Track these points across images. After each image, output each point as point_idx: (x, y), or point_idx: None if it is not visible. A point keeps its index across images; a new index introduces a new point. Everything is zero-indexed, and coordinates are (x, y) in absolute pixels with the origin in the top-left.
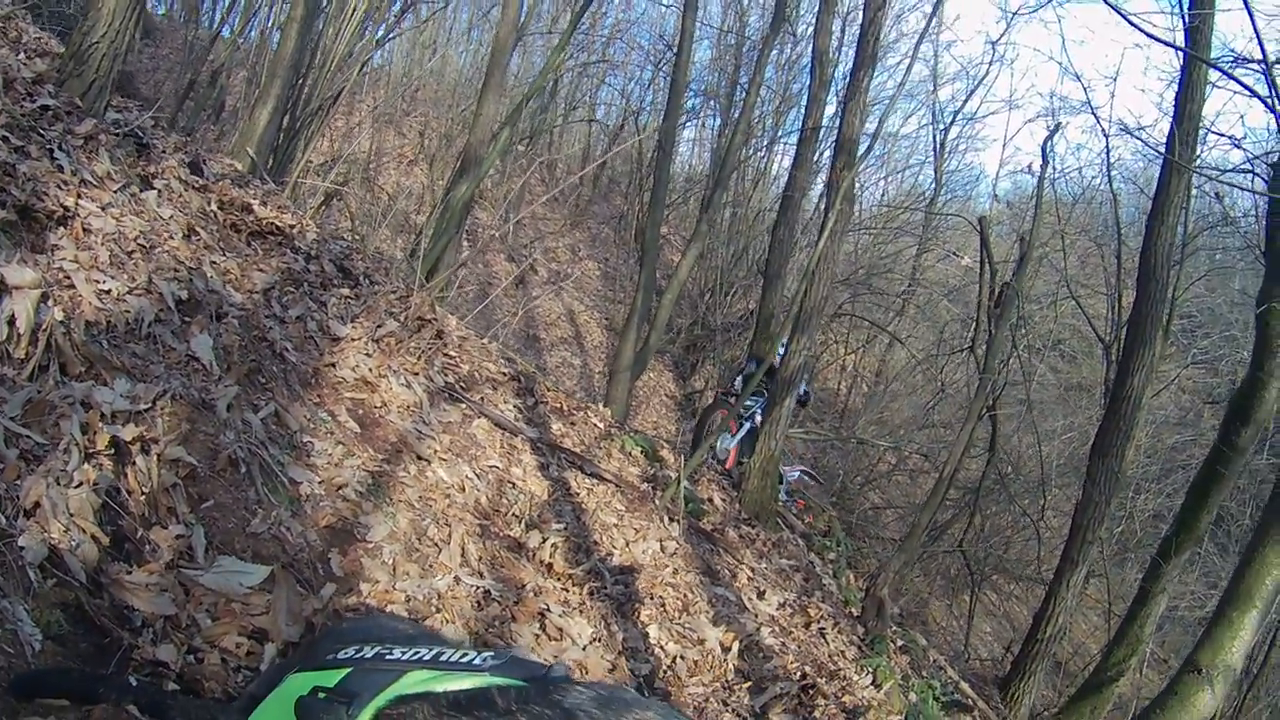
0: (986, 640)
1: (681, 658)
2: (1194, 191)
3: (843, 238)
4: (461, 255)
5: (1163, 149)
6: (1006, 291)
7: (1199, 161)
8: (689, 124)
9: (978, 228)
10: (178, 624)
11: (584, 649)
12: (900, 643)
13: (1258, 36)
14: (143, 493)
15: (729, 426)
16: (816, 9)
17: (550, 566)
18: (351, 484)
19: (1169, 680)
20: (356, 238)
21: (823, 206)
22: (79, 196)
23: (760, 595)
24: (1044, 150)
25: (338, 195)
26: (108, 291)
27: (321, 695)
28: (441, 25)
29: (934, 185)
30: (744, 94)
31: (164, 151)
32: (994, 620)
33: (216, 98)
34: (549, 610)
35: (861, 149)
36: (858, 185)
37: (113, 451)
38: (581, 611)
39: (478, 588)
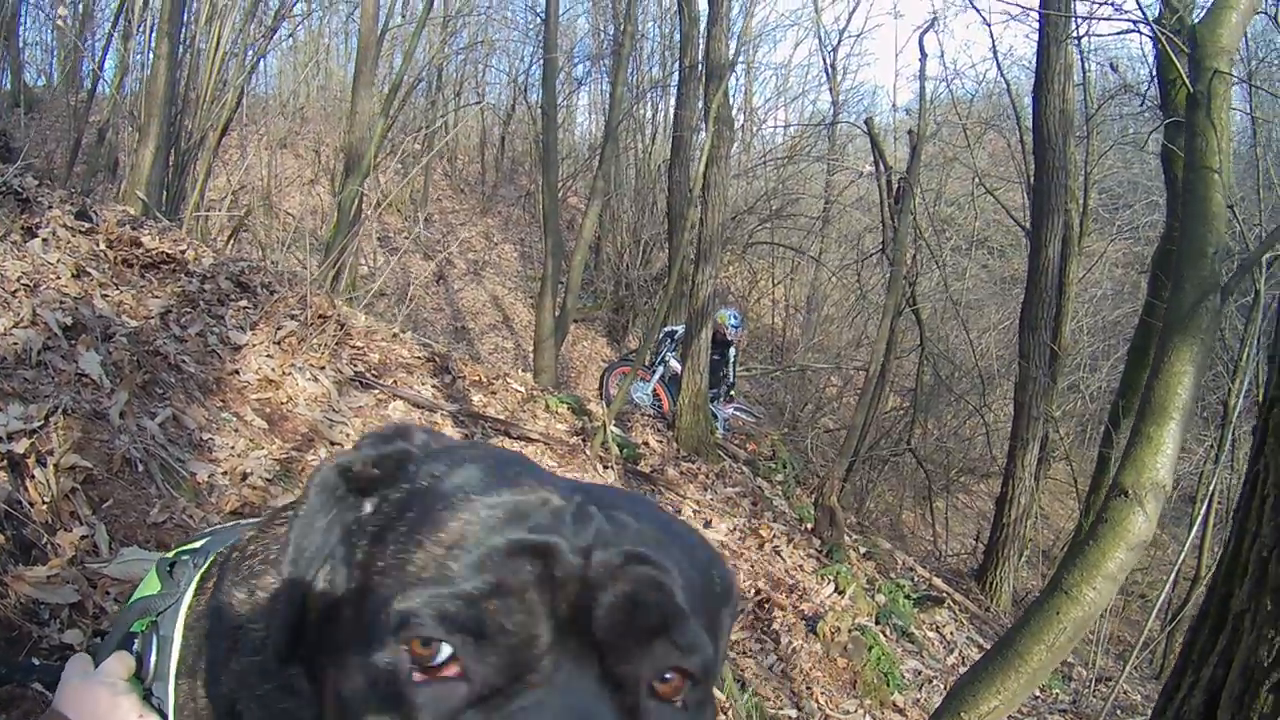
0: (965, 541)
1: None
2: (1091, 67)
3: (727, 162)
4: (351, 243)
5: (1035, 14)
6: (902, 185)
7: (1089, 36)
8: (581, 91)
9: (865, 130)
10: (85, 612)
11: None
12: (863, 550)
13: None
14: (44, 501)
15: (640, 375)
16: None
17: None
18: (257, 472)
19: (1098, 509)
20: (271, 262)
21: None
22: None
23: (707, 525)
24: (921, 45)
25: (243, 226)
26: None
27: (184, 557)
28: (319, 40)
29: (831, 107)
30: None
31: (48, 206)
32: (970, 521)
33: (108, 155)
34: None
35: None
36: (757, 118)
37: (6, 464)
38: None
39: None
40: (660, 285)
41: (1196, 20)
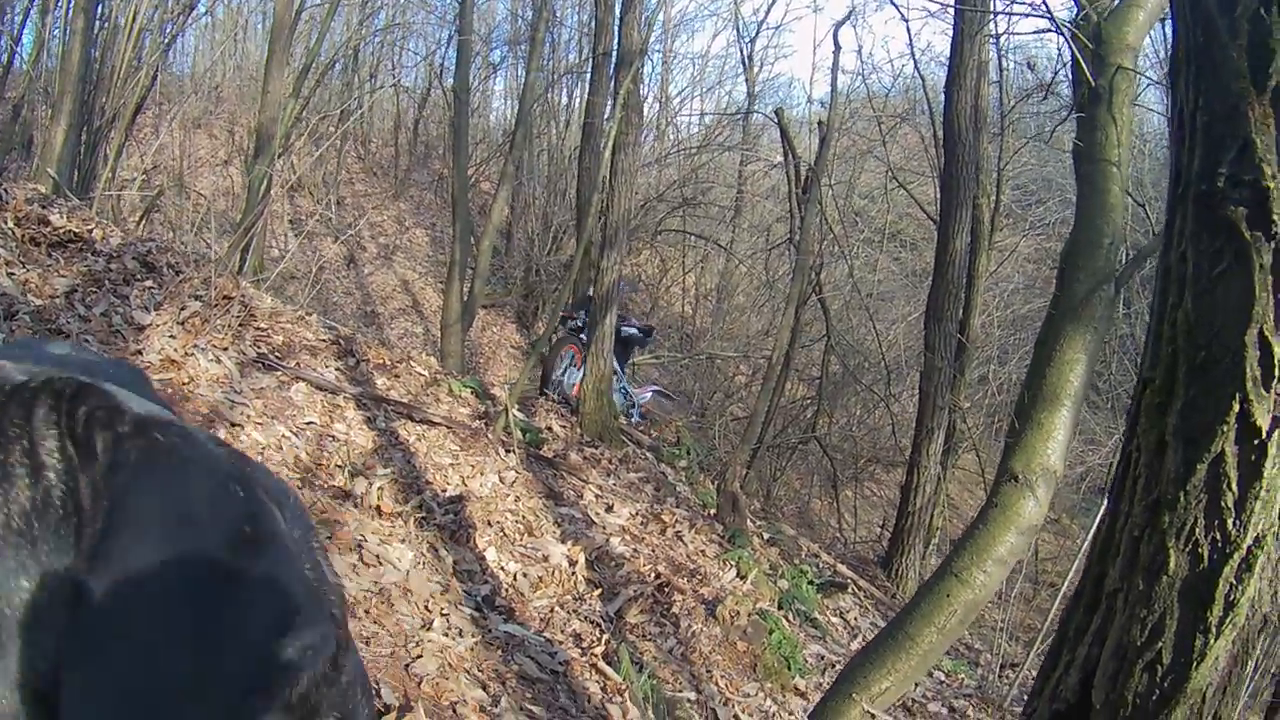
0: (874, 529)
1: (524, 575)
2: (1010, 64)
3: (636, 149)
4: (257, 222)
5: (951, 8)
6: (810, 175)
7: (1007, 34)
8: (497, 77)
9: (775, 120)
10: None
11: (405, 573)
12: (767, 536)
13: None
14: None
15: (576, 359)
16: None
17: (378, 509)
18: None
19: (989, 494)
20: (181, 244)
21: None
22: None
23: (609, 509)
24: (835, 37)
25: (155, 207)
26: None
27: None
28: (238, 20)
29: (747, 98)
30: (547, 39)
31: None
32: (878, 510)
33: (22, 133)
34: (365, 540)
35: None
36: (672, 108)
37: None
38: (405, 541)
39: None
40: (570, 272)
41: (1103, 18)
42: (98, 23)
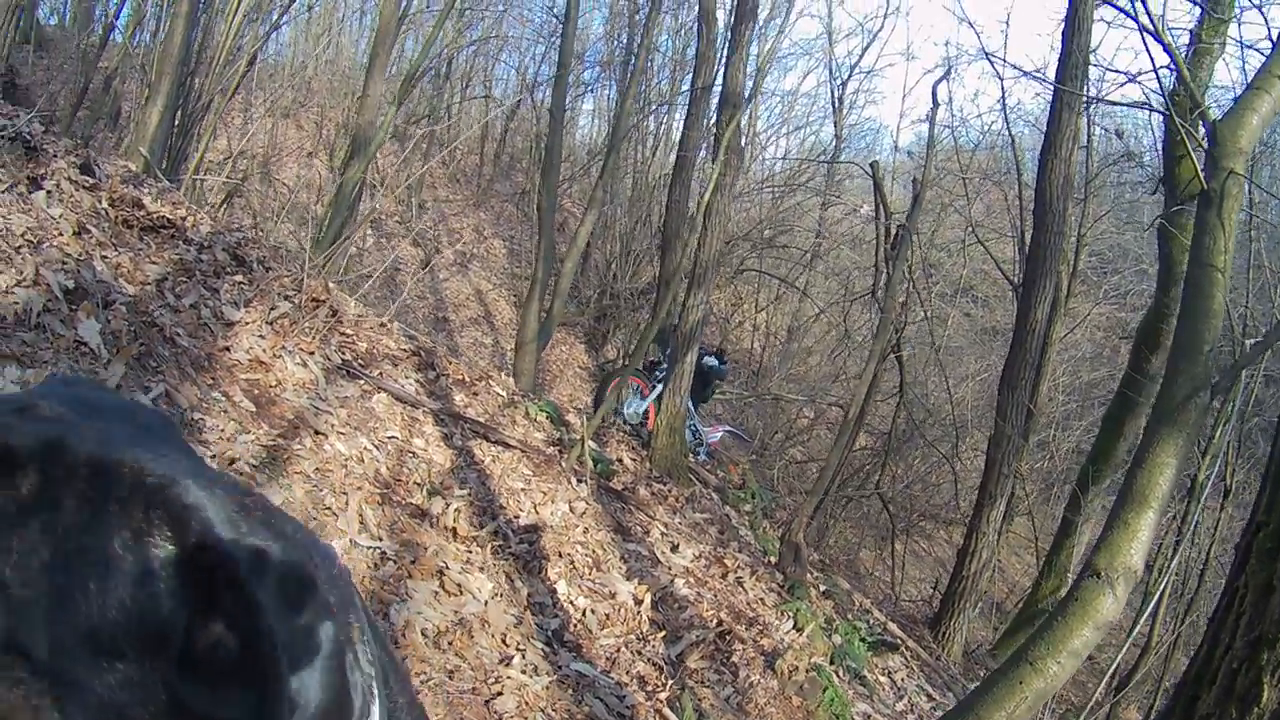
0: (919, 584)
1: (592, 611)
2: (1096, 131)
3: (733, 189)
4: (353, 230)
5: (1052, 83)
6: (901, 232)
7: (1101, 103)
8: (587, 96)
9: (869, 173)
10: None
11: (485, 604)
12: (823, 589)
13: None
14: None
15: (640, 390)
16: None
17: (454, 531)
18: (245, 458)
19: (1070, 587)
20: (260, 232)
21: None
22: None
23: (674, 549)
24: (934, 93)
25: (238, 192)
26: None
27: None
28: (334, 14)
29: (834, 140)
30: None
31: (54, 155)
32: (926, 566)
33: (112, 104)
34: (448, 568)
35: (755, 104)
36: (759, 143)
37: None
38: (483, 569)
39: (374, 550)
40: (646, 299)
41: (1218, 117)
42: (200, 6)
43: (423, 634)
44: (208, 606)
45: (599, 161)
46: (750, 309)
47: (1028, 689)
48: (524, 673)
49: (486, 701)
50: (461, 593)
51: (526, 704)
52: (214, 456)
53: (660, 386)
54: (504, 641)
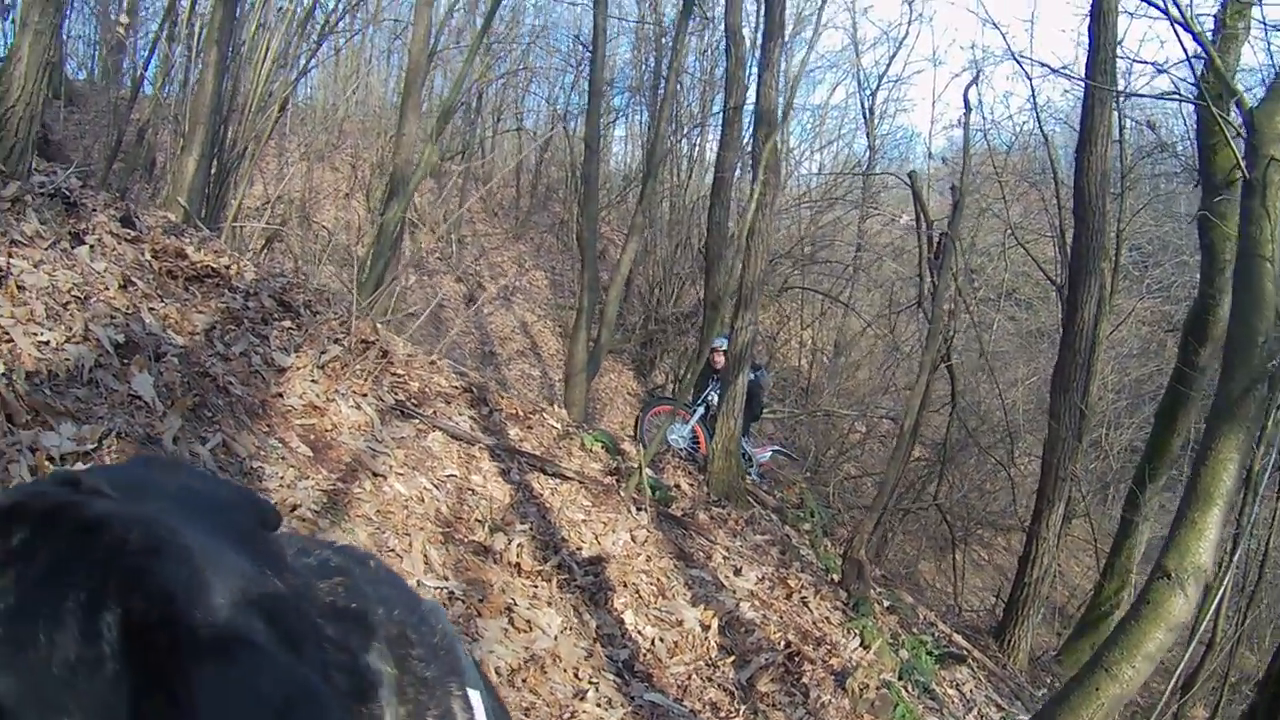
0: (980, 593)
1: (660, 639)
2: (1127, 123)
3: (774, 208)
4: (398, 272)
5: (1082, 79)
6: (944, 240)
7: (1132, 96)
8: (618, 122)
9: (909, 183)
10: None
11: (555, 639)
12: (887, 604)
13: None
14: None
15: (681, 416)
16: None
17: (519, 566)
18: (306, 504)
19: (1140, 590)
20: (301, 275)
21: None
22: (10, 256)
23: (737, 572)
24: (965, 98)
25: (278, 237)
26: (46, 342)
27: None
28: (361, 55)
29: (867, 151)
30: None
31: (93, 209)
32: (985, 574)
33: (146, 155)
34: (515, 605)
35: (788, 122)
36: (792, 160)
37: None
38: (551, 604)
39: (442, 590)
40: (690, 322)
41: (1254, 104)
42: (230, 54)
43: (496, 672)
44: (149, 679)
45: (635, 187)
46: (795, 326)
47: (1104, 695)
48: (599, 706)
49: None
50: (531, 629)
51: None
52: (275, 504)
53: (701, 410)
54: (576, 675)
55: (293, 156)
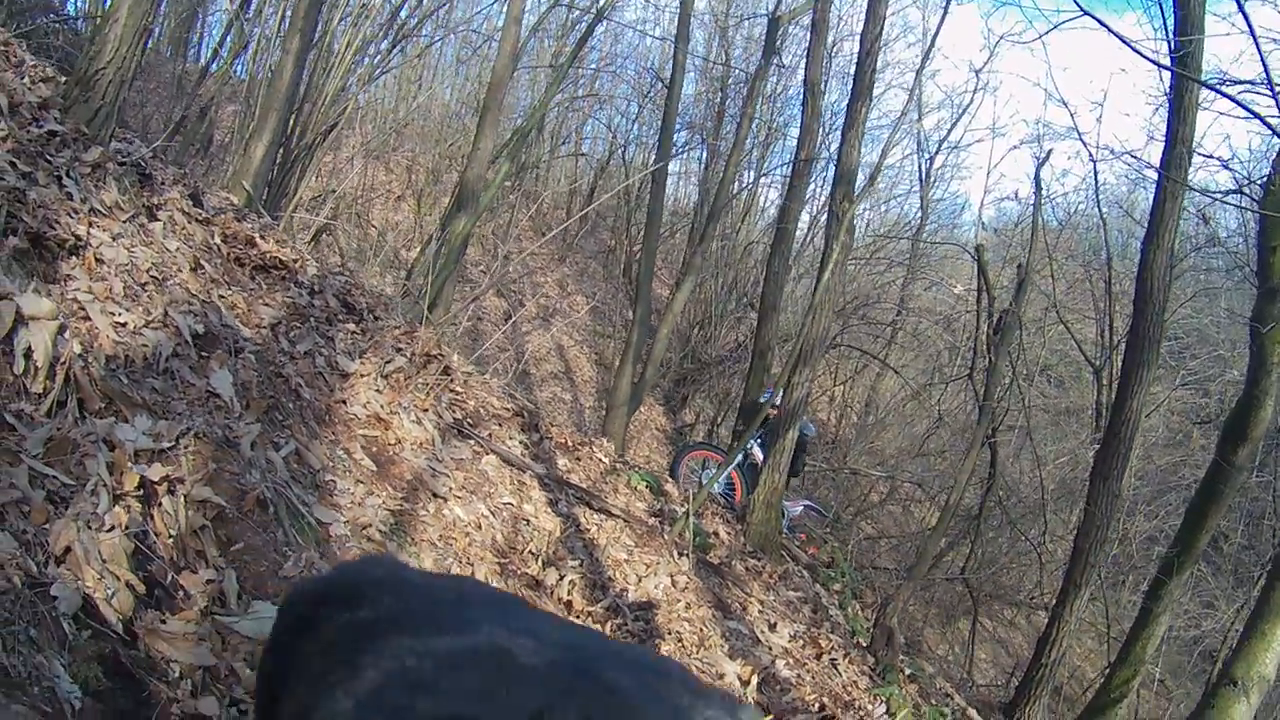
0: (983, 667)
1: None
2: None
3: (844, 269)
4: (473, 290)
5: (1155, 169)
6: (1006, 318)
7: (1199, 190)
8: (675, 157)
9: (974, 256)
10: (216, 674)
11: None
12: (908, 671)
13: (1259, 51)
14: (170, 535)
15: (718, 461)
16: (807, 41)
17: (570, 604)
18: (375, 524)
19: (1204, 694)
20: (347, 271)
21: (809, 237)
22: (90, 225)
23: (772, 627)
24: (1036, 178)
25: (328, 230)
26: (124, 324)
27: None
28: (428, 62)
29: (920, 214)
30: (732, 126)
31: (164, 183)
32: (990, 647)
33: (205, 132)
34: None
35: (860, 181)
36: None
37: (140, 492)
38: None
39: None
40: (728, 366)
41: None
42: (312, 45)
43: None
44: None
45: (684, 223)
46: (829, 381)
47: None
48: None
49: None
50: None
51: None
52: (347, 522)
53: (740, 457)
54: None
55: (350, 153)
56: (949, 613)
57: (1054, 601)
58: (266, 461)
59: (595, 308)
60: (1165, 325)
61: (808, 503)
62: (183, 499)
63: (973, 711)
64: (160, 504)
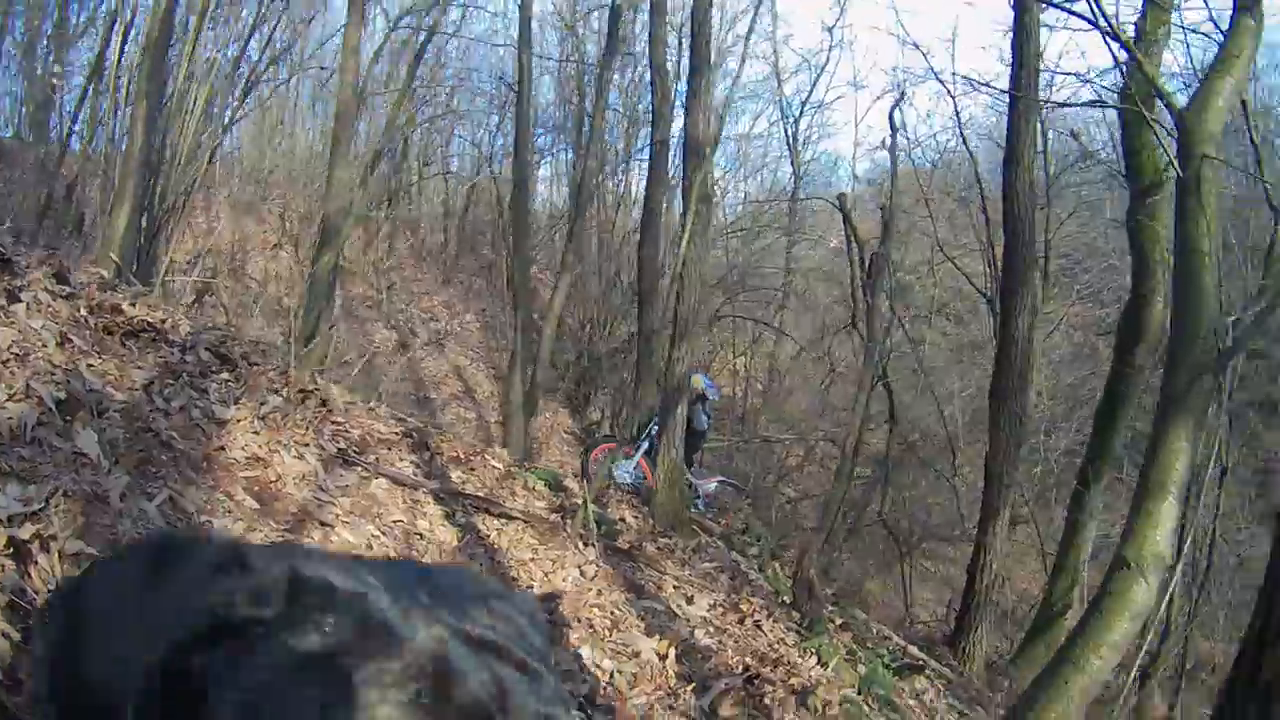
0: (931, 606)
1: (619, 672)
2: (1051, 133)
3: (706, 240)
4: (332, 320)
5: (1006, 92)
6: (876, 260)
7: (1056, 107)
8: (544, 162)
9: (839, 206)
10: None
11: None
12: (840, 621)
13: None
14: (48, 589)
15: (625, 452)
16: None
17: None
18: None
19: (1102, 581)
20: (232, 327)
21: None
22: None
23: (689, 600)
24: (891, 120)
25: (209, 290)
26: None
27: None
28: (286, 106)
29: (792, 178)
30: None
31: (27, 266)
32: (934, 586)
33: (75, 211)
34: None
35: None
36: (719, 190)
37: (12, 552)
38: None
39: None
40: (623, 358)
41: (1184, 106)
42: (159, 107)
43: None
44: None
45: (562, 225)
46: (728, 355)
47: (1073, 688)
48: None
49: None
50: None
51: None
52: None
53: (646, 444)
54: None
55: (221, 210)
56: (886, 561)
57: (976, 529)
58: (139, 510)
59: (486, 323)
60: (1051, 245)
61: (721, 479)
62: (56, 554)
63: (913, 649)
64: (35, 561)
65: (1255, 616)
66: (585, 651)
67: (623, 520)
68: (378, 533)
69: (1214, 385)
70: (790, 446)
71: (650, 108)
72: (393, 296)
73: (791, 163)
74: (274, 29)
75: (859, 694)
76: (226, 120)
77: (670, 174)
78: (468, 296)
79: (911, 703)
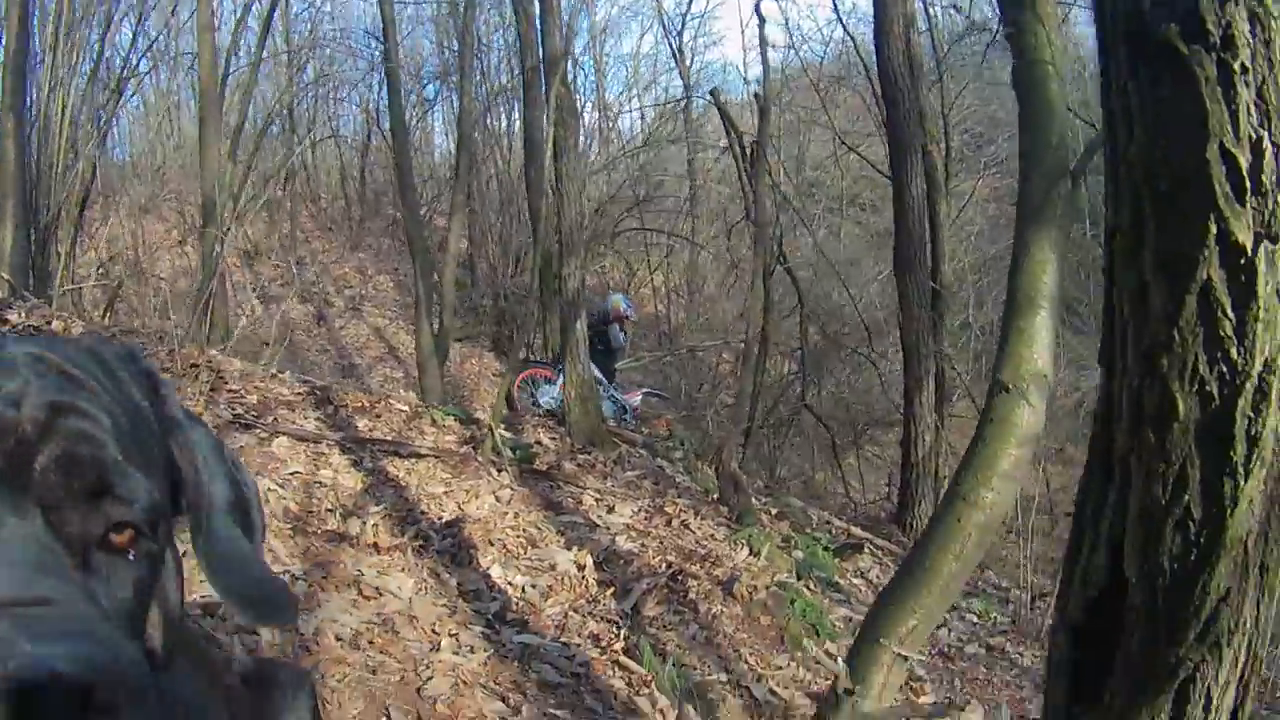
0: (881, 489)
1: (533, 586)
2: (938, 8)
3: (577, 150)
4: (278, 306)
5: None
6: (754, 149)
7: None
8: (434, 113)
9: (713, 101)
10: None
11: (409, 600)
12: (775, 511)
13: None
14: None
15: (548, 378)
16: None
17: (376, 545)
18: None
19: (983, 409)
20: (146, 327)
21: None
22: None
23: (610, 510)
24: (756, 9)
25: (119, 296)
26: None
27: None
28: (170, 101)
29: (683, 90)
30: (478, 66)
31: None
32: (882, 471)
33: None
34: (362, 575)
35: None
36: (613, 112)
37: None
38: (405, 570)
39: (283, 573)
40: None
41: None
42: (28, 119)
43: (337, 639)
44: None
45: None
46: (645, 272)
47: (968, 524)
48: (456, 654)
49: (417, 689)
50: (381, 595)
51: (463, 682)
52: None
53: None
54: (434, 632)
55: (120, 215)
56: (831, 449)
57: (903, 403)
58: None
59: (399, 282)
60: (951, 120)
61: (646, 390)
62: None
63: (856, 529)
64: None
65: (1100, 396)
66: (496, 571)
67: (539, 443)
68: (275, 486)
69: (1071, 190)
70: (720, 353)
71: (517, 34)
72: (304, 272)
73: (680, 75)
74: (138, 24)
75: (797, 579)
76: (101, 123)
77: (544, 96)
78: (378, 259)
79: (856, 581)
